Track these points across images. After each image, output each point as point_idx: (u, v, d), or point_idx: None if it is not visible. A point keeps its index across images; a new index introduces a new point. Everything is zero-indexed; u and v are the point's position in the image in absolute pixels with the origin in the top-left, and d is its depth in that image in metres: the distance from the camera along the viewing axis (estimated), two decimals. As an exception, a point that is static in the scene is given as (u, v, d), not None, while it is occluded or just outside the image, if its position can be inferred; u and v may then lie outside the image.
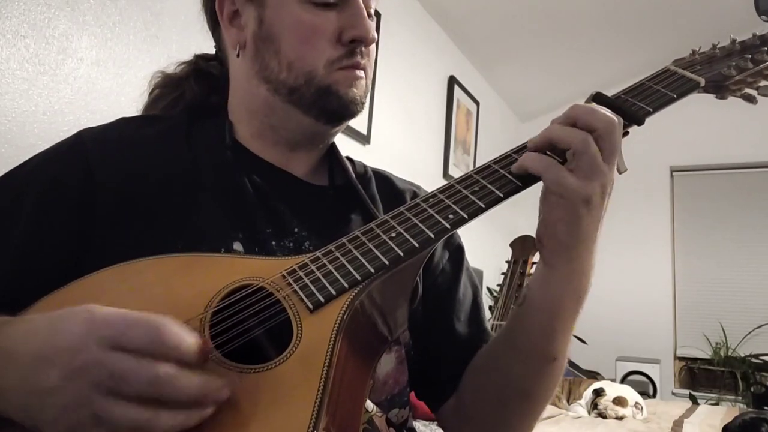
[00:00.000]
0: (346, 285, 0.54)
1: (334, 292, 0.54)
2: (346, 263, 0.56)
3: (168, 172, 0.69)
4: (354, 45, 0.71)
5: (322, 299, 0.54)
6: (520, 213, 4.20)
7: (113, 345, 0.43)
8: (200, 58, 0.84)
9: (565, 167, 0.57)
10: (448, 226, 0.57)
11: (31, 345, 0.45)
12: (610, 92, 0.66)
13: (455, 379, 0.77)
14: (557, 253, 0.61)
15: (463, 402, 0.76)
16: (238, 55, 0.74)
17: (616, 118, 0.58)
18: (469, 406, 0.76)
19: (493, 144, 4.04)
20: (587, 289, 0.64)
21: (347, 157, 0.85)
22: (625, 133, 0.63)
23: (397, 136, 3.05)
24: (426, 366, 0.78)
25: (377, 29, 3.01)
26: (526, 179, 0.59)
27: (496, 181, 0.60)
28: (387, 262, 0.55)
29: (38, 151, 0.71)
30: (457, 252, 0.86)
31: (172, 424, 0.43)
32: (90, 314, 0.45)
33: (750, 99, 0.68)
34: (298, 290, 0.55)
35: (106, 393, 0.42)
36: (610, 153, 0.58)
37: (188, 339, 0.44)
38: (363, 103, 0.74)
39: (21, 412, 0.45)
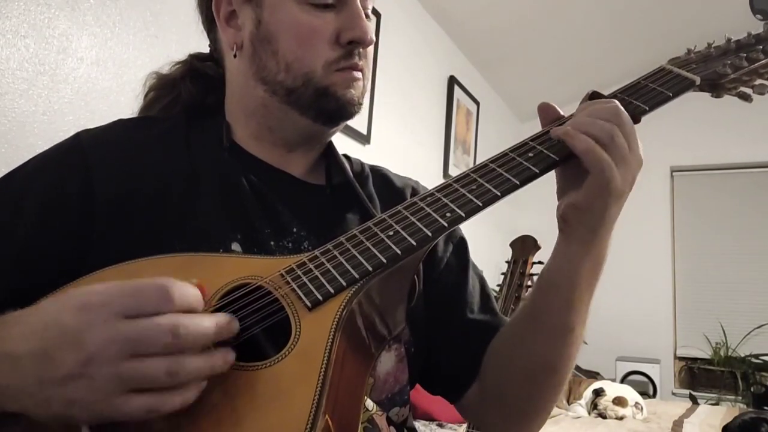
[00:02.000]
0: (344, 283, 0.55)
1: (332, 291, 0.54)
2: (344, 262, 0.57)
3: (166, 173, 0.69)
4: (352, 46, 0.71)
5: (320, 297, 0.54)
6: (520, 213, 4.21)
7: (124, 316, 0.44)
8: (195, 58, 0.83)
9: None
10: (446, 224, 0.57)
11: (33, 343, 0.45)
12: (609, 92, 0.67)
13: (474, 367, 0.77)
14: (581, 234, 0.63)
15: (488, 386, 0.77)
16: (235, 56, 0.74)
17: (618, 105, 0.61)
18: (496, 389, 0.76)
19: (493, 144, 4.04)
20: (605, 260, 0.66)
21: (344, 155, 0.85)
22: None
23: (397, 136, 3.05)
24: (441, 360, 0.78)
25: (377, 29, 2.99)
26: (525, 178, 0.60)
27: (493, 180, 0.60)
28: (385, 261, 0.56)
29: (38, 151, 0.71)
30: (460, 245, 0.86)
31: (202, 366, 0.45)
32: (88, 296, 0.45)
33: (745, 97, 0.69)
34: (297, 289, 0.55)
35: (128, 360, 0.43)
36: (635, 143, 0.60)
37: (191, 289, 0.47)
38: (361, 104, 0.74)
39: (39, 407, 0.45)
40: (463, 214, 0.58)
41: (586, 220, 0.61)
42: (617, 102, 0.61)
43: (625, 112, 0.60)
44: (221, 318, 0.47)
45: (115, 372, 0.42)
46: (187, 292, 0.46)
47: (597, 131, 0.58)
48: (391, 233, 0.58)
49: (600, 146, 0.58)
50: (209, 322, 0.46)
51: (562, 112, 0.66)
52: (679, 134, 4.21)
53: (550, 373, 0.71)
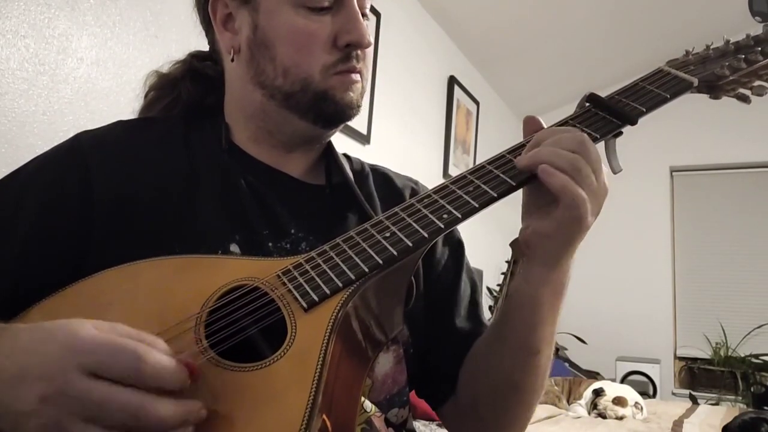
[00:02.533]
0: (340, 284, 0.55)
1: (328, 292, 0.54)
2: (340, 263, 0.57)
3: (165, 175, 0.70)
4: (350, 49, 0.71)
5: (316, 298, 0.54)
6: (521, 213, 4.20)
7: (92, 372, 0.42)
8: (194, 58, 0.83)
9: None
10: (442, 226, 0.58)
11: (13, 363, 0.45)
12: (607, 92, 0.67)
13: (455, 376, 0.78)
14: (542, 260, 0.62)
15: (461, 396, 0.77)
16: (232, 60, 0.74)
17: (583, 135, 0.59)
18: (468, 401, 0.76)
19: (492, 144, 4.03)
20: (566, 284, 0.65)
21: (344, 155, 0.85)
22: (619, 134, 0.63)
23: (397, 136, 3.05)
24: (426, 364, 0.78)
25: (377, 29, 2.98)
26: (521, 180, 0.60)
27: (490, 181, 0.60)
28: (381, 262, 0.56)
29: (38, 151, 0.71)
30: (457, 248, 0.86)
31: None
32: (72, 337, 0.44)
33: (744, 99, 0.69)
34: (293, 290, 0.55)
35: (81, 420, 0.42)
36: (600, 172, 0.59)
37: (168, 366, 0.44)
38: (359, 106, 0.74)
39: (6, 429, 0.44)
40: (460, 216, 0.58)
41: (549, 249, 0.61)
42: (581, 132, 0.59)
43: (591, 141, 0.59)
44: (190, 406, 0.44)
45: (62, 427, 0.42)
46: (163, 369, 0.44)
47: (563, 164, 0.56)
48: (388, 234, 0.58)
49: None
50: (173, 410, 0.43)
51: (544, 125, 0.65)
52: (678, 134, 4.21)
53: (514, 390, 0.71)
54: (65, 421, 0.42)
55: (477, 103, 3.94)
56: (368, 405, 0.67)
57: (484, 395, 0.74)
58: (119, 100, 1.60)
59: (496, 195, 0.59)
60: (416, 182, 0.89)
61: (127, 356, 0.43)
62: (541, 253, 0.62)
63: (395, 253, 0.56)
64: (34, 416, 0.42)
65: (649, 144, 3.94)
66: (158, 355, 0.44)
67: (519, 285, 0.66)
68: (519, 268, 0.65)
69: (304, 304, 0.54)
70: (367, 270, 0.55)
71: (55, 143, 0.72)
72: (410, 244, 0.57)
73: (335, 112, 0.72)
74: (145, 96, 0.82)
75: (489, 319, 0.84)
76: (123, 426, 0.42)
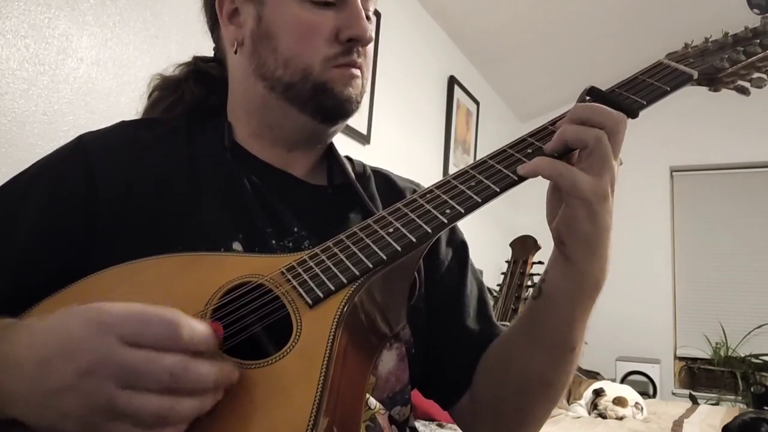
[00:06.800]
0: (345, 280, 0.55)
1: (332, 288, 0.54)
2: (344, 259, 0.57)
3: (168, 174, 0.70)
4: (351, 44, 0.71)
5: (321, 295, 0.54)
6: (521, 212, 4.21)
7: (128, 341, 0.43)
8: (199, 60, 0.84)
9: (576, 167, 0.57)
10: (445, 221, 0.57)
11: (36, 350, 0.45)
12: (606, 89, 0.67)
13: (468, 376, 0.77)
14: (579, 249, 0.61)
15: (481, 397, 0.77)
16: (236, 52, 0.75)
17: (622, 115, 0.59)
18: (489, 401, 0.76)
19: (493, 144, 4.01)
20: (605, 277, 0.64)
21: (346, 157, 0.85)
22: None
23: (397, 136, 3.05)
24: (436, 365, 0.78)
25: (377, 29, 2.99)
26: (523, 174, 0.60)
27: (492, 176, 0.60)
28: (385, 257, 0.56)
29: (38, 150, 0.72)
30: (461, 248, 0.86)
31: (193, 409, 0.44)
32: (100, 313, 0.45)
33: (743, 91, 0.69)
34: (297, 286, 0.55)
35: (123, 387, 0.42)
36: (618, 148, 0.59)
37: (202, 330, 0.45)
38: (359, 103, 0.74)
39: (34, 415, 0.45)
40: (463, 211, 0.58)
41: (579, 234, 0.60)
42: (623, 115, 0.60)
43: (624, 123, 0.59)
44: (225, 367, 0.46)
45: (107, 395, 0.42)
46: (197, 332, 0.45)
47: (586, 137, 0.58)
48: (391, 230, 0.58)
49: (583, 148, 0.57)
50: (211, 370, 0.44)
51: None
52: (679, 134, 4.22)
53: (547, 388, 0.71)
54: (105, 391, 0.42)
55: (477, 103, 3.94)
56: (372, 402, 0.67)
57: (510, 395, 0.73)
58: (119, 100, 1.60)
59: (498, 189, 0.58)
60: (418, 185, 0.89)
61: (163, 323, 0.44)
62: (575, 242, 0.60)
63: (399, 248, 0.56)
64: (73, 391, 0.42)
65: (649, 144, 3.94)
66: (191, 320, 0.45)
67: (557, 284, 0.65)
68: (552, 265, 0.65)
69: (309, 301, 0.54)
70: (371, 266, 0.55)
71: (55, 143, 0.72)
72: (413, 240, 0.57)
73: (334, 105, 0.72)
74: (149, 97, 0.83)
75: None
76: (164, 389, 0.43)
